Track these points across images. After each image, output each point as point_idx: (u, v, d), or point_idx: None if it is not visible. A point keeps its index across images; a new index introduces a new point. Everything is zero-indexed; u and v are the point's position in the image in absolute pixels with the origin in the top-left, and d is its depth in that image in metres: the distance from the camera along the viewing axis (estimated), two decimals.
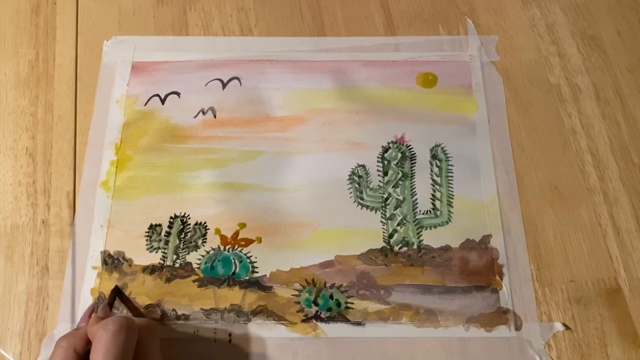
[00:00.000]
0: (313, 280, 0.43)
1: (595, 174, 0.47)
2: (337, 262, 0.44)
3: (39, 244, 0.44)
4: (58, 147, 0.48)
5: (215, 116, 0.49)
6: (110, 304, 0.41)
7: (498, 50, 0.52)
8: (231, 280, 0.43)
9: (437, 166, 0.47)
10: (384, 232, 0.45)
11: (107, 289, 0.42)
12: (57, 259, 0.44)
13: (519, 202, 0.46)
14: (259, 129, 0.49)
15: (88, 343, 0.35)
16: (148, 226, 0.45)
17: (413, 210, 0.46)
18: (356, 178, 0.47)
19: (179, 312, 0.42)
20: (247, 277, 0.43)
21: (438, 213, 0.46)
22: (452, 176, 0.47)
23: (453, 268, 0.44)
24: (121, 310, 0.42)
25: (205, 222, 0.45)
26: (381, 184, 0.47)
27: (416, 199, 0.46)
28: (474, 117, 0.49)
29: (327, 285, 0.43)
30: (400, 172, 0.47)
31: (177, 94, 0.50)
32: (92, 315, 0.38)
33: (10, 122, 0.49)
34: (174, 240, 0.44)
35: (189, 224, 0.45)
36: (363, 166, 0.47)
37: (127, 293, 0.43)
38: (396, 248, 0.44)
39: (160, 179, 0.47)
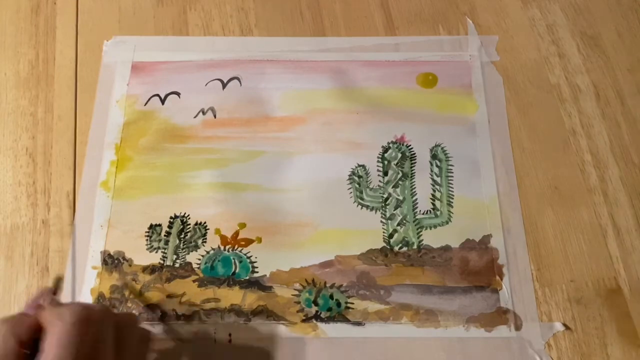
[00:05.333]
0: (313, 280, 0.43)
1: (595, 174, 0.47)
2: (337, 262, 0.44)
3: (39, 244, 0.44)
4: (58, 147, 0.48)
5: (215, 116, 0.49)
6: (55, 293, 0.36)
7: (498, 50, 0.52)
8: (231, 280, 0.43)
9: (437, 166, 0.47)
10: (384, 232, 0.45)
11: (107, 289, 0.43)
12: (57, 259, 0.44)
13: (519, 202, 0.46)
14: (259, 129, 0.49)
15: (35, 332, 0.30)
16: (148, 226, 0.45)
17: (413, 210, 0.46)
18: (356, 178, 0.47)
19: (179, 312, 0.42)
20: (247, 277, 0.43)
21: (438, 213, 0.46)
22: (452, 176, 0.47)
23: (453, 268, 0.44)
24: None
25: (205, 222, 0.45)
26: (381, 184, 0.47)
27: (416, 199, 0.46)
28: (474, 117, 0.49)
29: (327, 285, 0.43)
30: (400, 172, 0.47)
31: (177, 94, 0.50)
32: (48, 301, 0.33)
33: (10, 122, 0.49)
34: (174, 240, 0.44)
35: (189, 224, 0.45)
36: (363, 166, 0.47)
37: (127, 293, 0.43)
38: (396, 248, 0.44)
39: (160, 179, 0.47)
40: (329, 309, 0.42)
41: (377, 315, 0.42)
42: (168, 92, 0.50)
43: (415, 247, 0.44)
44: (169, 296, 0.43)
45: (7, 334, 0.29)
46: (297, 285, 0.43)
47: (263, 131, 0.48)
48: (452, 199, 0.46)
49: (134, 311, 0.42)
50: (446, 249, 0.44)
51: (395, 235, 0.45)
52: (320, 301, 0.43)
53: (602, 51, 0.52)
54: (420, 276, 0.43)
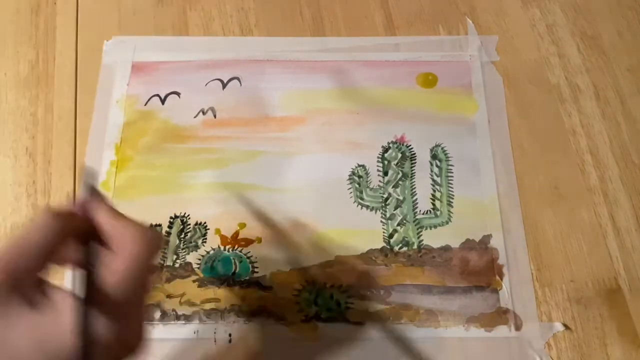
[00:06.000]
0: (313, 280, 0.43)
1: (595, 174, 0.47)
2: (337, 262, 0.44)
3: None
4: (58, 147, 0.47)
5: (215, 116, 0.49)
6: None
7: (498, 50, 0.52)
8: (231, 280, 0.43)
9: (437, 166, 0.47)
10: (384, 232, 0.45)
11: None
12: None
13: (519, 202, 0.46)
14: (259, 129, 0.49)
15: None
16: (148, 226, 0.45)
17: (413, 210, 0.46)
18: (356, 178, 0.47)
19: (179, 312, 0.42)
20: (247, 277, 0.43)
21: (438, 213, 0.46)
22: (452, 176, 0.47)
23: (453, 268, 0.44)
24: None
25: (205, 222, 0.45)
26: (381, 184, 0.47)
27: (416, 199, 0.46)
28: (474, 117, 0.49)
29: (327, 285, 0.43)
30: (400, 172, 0.47)
31: (177, 94, 0.50)
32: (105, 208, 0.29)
33: (10, 122, 0.48)
34: (174, 240, 0.44)
35: (189, 224, 0.45)
36: (363, 166, 0.47)
37: None
38: (396, 248, 0.44)
39: (160, 179, 0.47)
40: (329, 309, 0.42)
41: (377, 315, 0.42)
42: (168, 92, 0.50)
43: (415, 247, 0.44)
44: (169, 296, 0.43)
45: (62, 231, 0.27)
46: (297, 285, 0.43)
47: (263, 131, 0.48)
48: (452, 199, 0.46)
49: None
50: (446, 249, 0.44)
51: (395, 235, 0.45)
52: (320, 301, 0.43)
53: (602, 51, 0.52)
54: (420, 276, 0.43)
